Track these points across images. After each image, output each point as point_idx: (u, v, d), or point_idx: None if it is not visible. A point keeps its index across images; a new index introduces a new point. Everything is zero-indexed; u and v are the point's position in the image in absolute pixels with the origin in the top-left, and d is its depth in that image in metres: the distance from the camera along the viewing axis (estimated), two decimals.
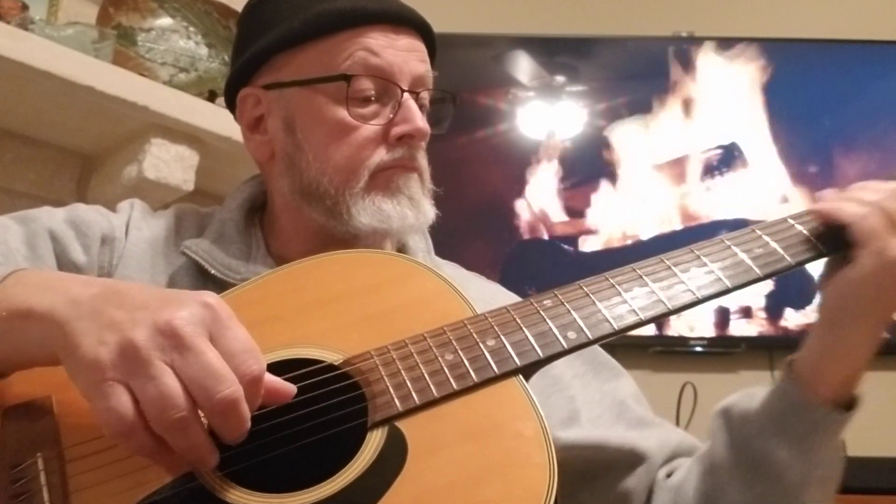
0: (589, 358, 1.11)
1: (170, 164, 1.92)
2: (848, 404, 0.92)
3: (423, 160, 1.08)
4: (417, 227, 1.06)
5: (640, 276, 0.88)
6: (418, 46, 1.08)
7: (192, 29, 2.00)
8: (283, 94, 1.07)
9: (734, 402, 0.99)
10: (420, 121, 1.04)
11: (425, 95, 1.09)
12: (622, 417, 1.06)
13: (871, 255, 0.85)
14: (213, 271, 1.03)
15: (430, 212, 1.07)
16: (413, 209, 1.04)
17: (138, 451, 0.69)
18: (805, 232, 0.92)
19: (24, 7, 1.79)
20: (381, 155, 1.04)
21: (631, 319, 0.85)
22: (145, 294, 0.73)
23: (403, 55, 1.05)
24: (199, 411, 0.68)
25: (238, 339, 0.70)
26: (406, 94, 1.05)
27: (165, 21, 1.98)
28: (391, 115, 1.04)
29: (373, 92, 1.04)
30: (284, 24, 1.06)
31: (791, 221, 0.94)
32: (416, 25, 1.09)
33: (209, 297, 0.72)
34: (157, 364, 0.67)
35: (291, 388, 0.75)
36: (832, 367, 0.91)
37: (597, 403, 1.06)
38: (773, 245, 0.91)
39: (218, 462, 0.71)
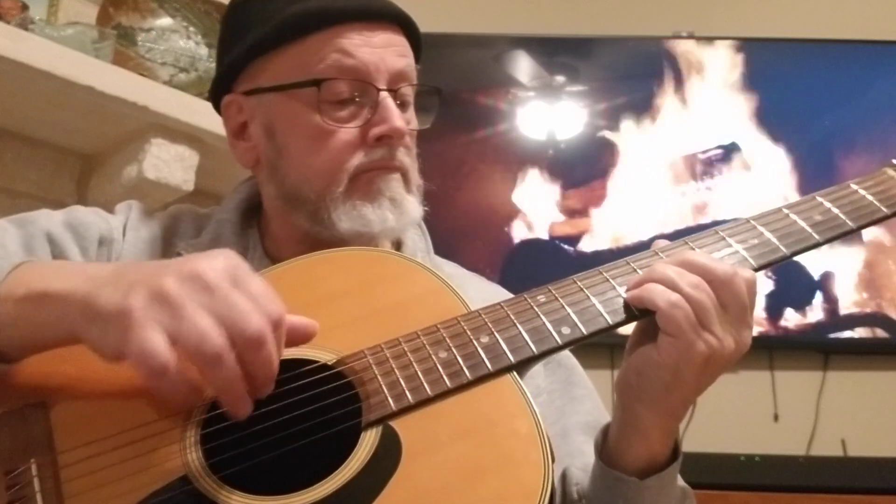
0: (565, 376, 1.10)
1: (170, 164, 1.92)
2: (665, 462, 0.89)
3: (404, 158, 1.05)
4: (400, 228, 1.05)
5: (635, 270, 0.87)
6: (396, 41, 1.05)
7: (192, 29, 2.01)
8: (262, 100, 1.06)
9: (576, 482, 0.98)
10: (397, 120, 1.02)
11: (407, 91, 1.07)
12: (556, 451, 1.02)
13: (674, 347, 0.82)
14: None
15: (414, 211, 1.05)
16: (395, 211, 1.02)
17: (171, 394, 0.70)
18: (801, 222, 0.91)
19: (24, 7, 1.79)
20: (359, 158, 1.02)
21: (626, 314, 0.85)
22: (161, 262, 0.76)
23: (380, 52, 1.03)
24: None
25: (258, 286, 0.73)
26: (383, 94, 1.02)
27: (165, 21, 1.99)
28: (369, 116, 1.02)
29: (348, 94, 1.02)
30: (258, 28, 1.04)
31: (786, 211, 0.93)
32: (393, 19, 1.06)
33: (227, 252, 0.75)
34: (190, 304, 0.69)
35: (314, 325, 0.77)
36: (632, 443, 0.88)
37: (547, 427, 1.03)
38: (768, 235, 0.90)
39: (251, 411, 0.72)
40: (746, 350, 0.84)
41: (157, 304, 0.69)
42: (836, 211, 0.92)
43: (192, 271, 0.71)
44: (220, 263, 0.73)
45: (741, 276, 0.83)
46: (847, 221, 0.92)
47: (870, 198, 0.94)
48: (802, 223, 0.91)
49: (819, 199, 0.94)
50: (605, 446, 0.91)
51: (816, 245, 0.91)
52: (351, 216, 1.01)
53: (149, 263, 0.77)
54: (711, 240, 0.90)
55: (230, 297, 0.70)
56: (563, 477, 0.99)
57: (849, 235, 0.93)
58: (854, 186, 0.95)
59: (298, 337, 0.76)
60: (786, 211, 0.93)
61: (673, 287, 0.82)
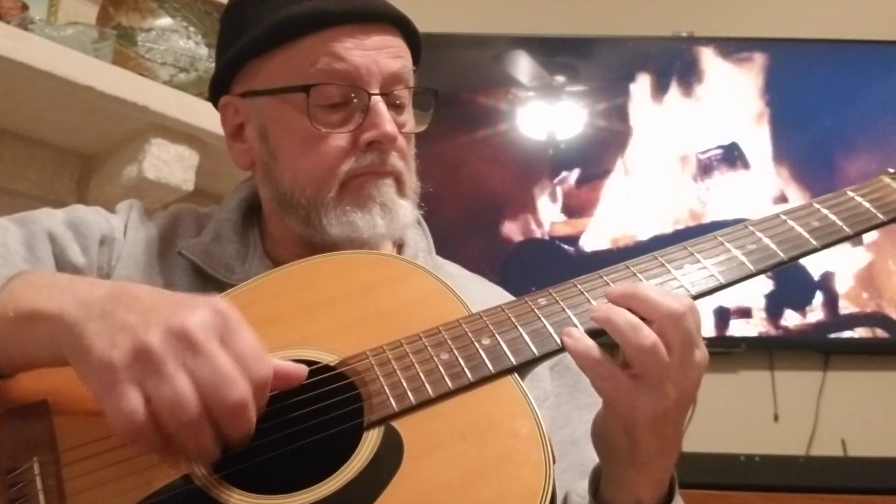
0: (572, 381, 1.10)
1: (170, 164, 1.92)
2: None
3: (397, 162, 1.04)
4: (390, 234, 1.04)
5: (635, 274, 0.88)
6: (391, 42, 1.04)
7: (192, 29, 2.01)
8: (256, 102, 1.05)
9: None
10: (388, 125, 1.01)
11: (403, 93, 1.05)
12: (565, 458, 1.01)
13: (615, 414, 0.80)
14: (210, 271, 1.03)
15: (406, 217, 1.04)
16: (385, 217, 1.01)
17: (146, 450, 0.70)
18: (798, 228, 0.92)
19: (24, 7, 1.79)
20: (350, 163, 1.01)
21: None
22: (155, 297, 0.74)
23: (372, 55, 1.01)
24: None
25: (247, 344, 0.72)
26: (375, 98, 1.01)
27: (165, 21, 1.99)
28: (361, 121, 1.01)
29: (340, 98, 1.01)
30: (252, 30, 1.04)
31: (783, 217, 0.93)
32: (388, 20, 1.04)
33: (219, 302, 0.74)
34: (171, 367, 0.68)
35: (302, 372, 0.76)
36: (618, 494, 0.86)
37: (556, 432, 1.02)
38: (766, 241, 0.90)
39: (217, 458, 0.72)
40: (699, 381, 0.81)
41: (139, 361, 0.68)
42: (833, 217, 0.93)
43: (179, 327, 0.69)
44: (209, 317, 0.71)
45: (688, 315, 0.79)
46: (844, 227, 0.92)
47: (866, 205, 0.95)
48: (800, 229, 0.92)
49: (816, 205, 0.95)
50: (599, 491, 0.89)
51: (814, 250, 0.91)
52: (341, 222, 1.01)
53: (144, 297, 0.74)
54: (710, 244, 0.91)
55: (214, 360, 0.69)
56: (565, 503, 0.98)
57: (846, 241, 0.93)
58: (851, 193, 0.96)
59: (285, 384, 0.75)
60: (783, 217, 0.93)
61: (627, 343, 0.79)
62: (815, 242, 0.91)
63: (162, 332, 0.69)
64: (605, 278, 0.88)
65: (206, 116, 1.90)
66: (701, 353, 0.81)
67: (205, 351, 0.69)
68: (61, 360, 0.74)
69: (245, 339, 0.72)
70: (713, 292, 0.88)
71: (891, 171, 0.99)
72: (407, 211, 1.04)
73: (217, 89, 1.10)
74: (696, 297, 0.86)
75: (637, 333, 0.78)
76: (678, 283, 0.87)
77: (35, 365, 0.80)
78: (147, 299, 0.73)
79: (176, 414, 0.67)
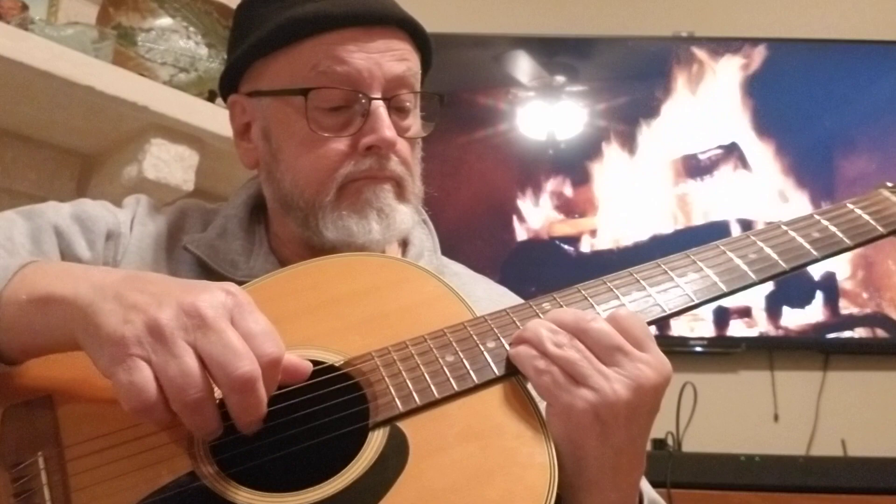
0: None
1: (170, 164, 1.92)
2: None
3: (397, 167, 1.03)
4: (386, 240, 1.03)
5: (637, 281, 0.88)
6: (396, 45, 1.03)
7: (192, 29, 2.00)
8: (260, 102, 1.06)
9: None
10: (387, 130, 1.00)
11: (408, 97, 1.05)
12: None
13: (555, 416, 0.77)
14: (214, 267, 1.03)
15: (405, 222, 1.03)
16: (382, 222, 1.01)
17: (153, 425, 0.71)
18: (799, 239, 0.93)
19: (24, 7, 1.79)
20: (348, 167, 1.01)
21: None
22: (168, 281, 0.76)
23: (375, 58, 1.01)
24: (217, 392, 0.70)
25: (258, 323, 0.72)
26: (375, 102, 1.01)
27: (165, 21, 1.98)
28: (361, 125, 1.01)
29: (341, 101, 1.01)
30: (258, 30, 1.04)
31: (784, 227, 0.95)
32: (394, 22, 1.04)
33: (230, 285, 0.75)
34: (181, 343, 0.69)
35: (307, 366, 0.76)
36: None
37: None
38: (768, 250, 0.92)
39: (221, 431, 0.72)
40: (655, 383, 0.78)
41: (150, 337, 0.69)
42: (833, 229, 0.94)
43: (190, 305, 0.71)
44: (220, 298, 0.72)
45: (600, 319, 0.80)
46: (844, 239, 0.94)
47: (866, 217, 0.96)
48: (801, 240, 0.93)
49: (817, 217, 0.96)
50: None
51: (815, 261, 0.93)
52: (337, 226, 1.01)
53: (157, 280, 0.76)
54: (712, 253, 0.92)
55: (223, 336, 0.70)
56: None
57: (846, 252, 0.95)
58: (851, 206, 0.98)
59: (289, 378, 0.75)
60: (784, 227, 0.95)
61: (540, 348, 0.79)
62: (815, 253, 0.92)
63: (174, 309, 0.70)
64: (609, 284, 0.89)
65: (206, 116, 1.90)
66: (652, 356, 0.79)
67: (214, 327, 0.70)
68: (73, 343, 0.75)
69: (255, 319, 0.73)
70: (716, 300, 0.89)
71: (889, 184, 1.01)
72: (406, 216, 1.04)
73: (227, 87, 1.11)
74: (699, 304, 0.87)
75: (531, 358, 0.78)
76: (681, 291, 0.88)
77: (46, 350, 0.80)
78: (160, 282, 0.75)
79: (182, 391, 0.68)
